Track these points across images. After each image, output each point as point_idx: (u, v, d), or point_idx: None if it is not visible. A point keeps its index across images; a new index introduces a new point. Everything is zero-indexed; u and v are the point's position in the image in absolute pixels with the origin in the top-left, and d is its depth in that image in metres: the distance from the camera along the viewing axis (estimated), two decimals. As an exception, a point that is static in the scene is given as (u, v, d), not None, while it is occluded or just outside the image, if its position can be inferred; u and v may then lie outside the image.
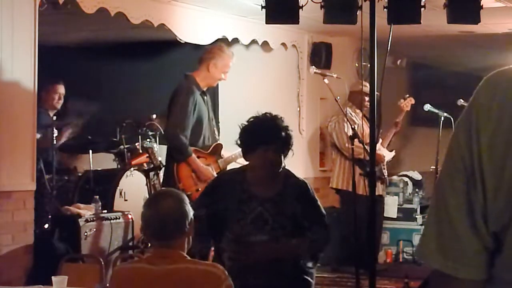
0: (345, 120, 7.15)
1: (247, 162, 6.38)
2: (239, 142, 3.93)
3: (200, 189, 6.01)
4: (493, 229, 1.32)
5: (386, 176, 7.82)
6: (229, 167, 6.29)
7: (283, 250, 3.81)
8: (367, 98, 7.48)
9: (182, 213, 3.10)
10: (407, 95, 8.00)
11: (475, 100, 1.35)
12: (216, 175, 4.09)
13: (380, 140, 7.86)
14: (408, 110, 7.94)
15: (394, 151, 8.04)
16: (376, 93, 7.11)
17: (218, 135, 6.35)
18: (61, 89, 7.46)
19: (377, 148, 7.68)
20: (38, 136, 6.32)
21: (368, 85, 7.18)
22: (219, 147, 6.18)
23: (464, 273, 1.35)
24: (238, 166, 6.87)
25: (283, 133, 3.82)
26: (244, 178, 3.87)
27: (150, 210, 3.18)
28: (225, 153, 6.26)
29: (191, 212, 3.14)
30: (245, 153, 3.90)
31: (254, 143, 3.81)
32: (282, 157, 3.84)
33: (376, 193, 6.02)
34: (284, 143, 3.82)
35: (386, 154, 7.85)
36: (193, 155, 5.93)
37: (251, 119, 3.97)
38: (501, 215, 1.30)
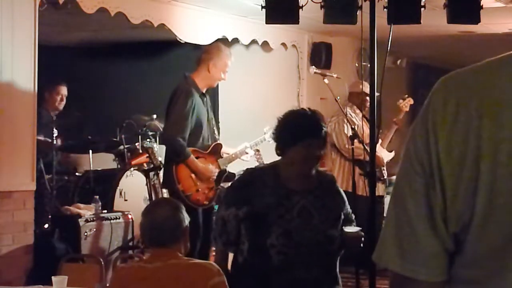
0: (345, 120, 7.16)
1: (246, 158, 6.38)
2: (276, 136, 3.82)
3: (200, 189, 6.00)
4: (453, 230, 1.33)
5: (385, 177, 7.82)
6: (230, 166, 6.28)
7: (357, 239, 3.80)
8: (367, 97, 7.50)
9: (176, 221, 3.23)
10: (406, 96, 8.01)
11: (430, 101, 1.36)
12: (244, 172, 3.99)
13: (380, 141, 7.85)
14: (407, 110, 7.94)
15: (393, 151, 8.04)
16: (376, 93, 7.15)
17: (218, 135, 6.33)
18: (64, 91, 7.51)
19: (376, 150, 7.71)
20: (41, 138, 6.34)
21: (367, 84, 7.21)
22: (218, 146, 6.16)
23: (423, 275, 1.35)
24: (238, 164, 6.89)
25: (324, 128, 3.76)
26: (278, 173, 3.78)
27: (146, 218, 3.32)
28: (225, 151, 6.25)
29: (186, 220, 3.26)
30: (285, 146, 3.77)
31: (298, 136, 3.72)
32: (322, 152, 3.79)
33: (376, 194, 6.02)
34: (324, 139, 3.77)
35: (385, 154, 7.85)
36: (192, 156, 5.90)
37: (290, 113, 3.86)
38: (461, 215, 1.31)
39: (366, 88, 7.44)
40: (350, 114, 7.49)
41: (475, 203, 1.29)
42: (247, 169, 4.02)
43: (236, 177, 4.03)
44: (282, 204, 3.71)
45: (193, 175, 5.94)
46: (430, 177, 1.33)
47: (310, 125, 3.75)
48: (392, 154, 8.00)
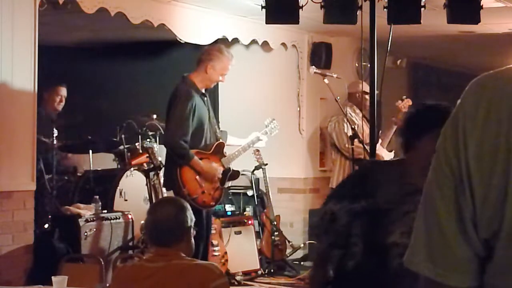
0: (345, 120, 7.17)
1: (261, 144, 6.16)
2: (404, 128, 3.37)
3: (205, 191, 5.95)
4: (484, 236, 1.31)
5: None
6: (233, 164, 6.26)
7: None
8: (367, 97, 7.54)
9: (178, 221, 3.19)
10: (405, 96, 8.02)
11: (461, 105, 1.34)
12: (364, 163, 3.44)
13: (380, 141, 7.86)
14: (405, 111, 7.95)
15: (393, 151, 8.04)
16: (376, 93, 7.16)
17: (220, 134, 6.28)
18: (63, 92, 7.52)
19: (376, 149, 7.72)
20: (41, 138, 6.33)
21: (366, 84, 7.22)
22: (221, 145, 6.12)
23: (454, 280, 1.33)
24: (243, 163, 6.88)
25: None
26: (404, 168, 3.30)
27: (148, 216, 3.30)
28: (227, 150, 6.23)
29: (190, 221, 3.21)
30: (414, 137, 3.28)
31: (429, 125, 3.13)
32: None
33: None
34: None
35: (385, 154, 7.85)
36: (195, 158, 5.86)
37: (421, 105, 3.44)
38: (491, 222, 1.29)
39: (366, 87, 7.47)
40: (350, 114, 7.50)
41: (505, 211, 1.27)
42: (367, 160, 3.53)
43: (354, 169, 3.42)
44: (407, 201, 3.21)
45: (197, 177, 5.89)
46: (460, 182, 1.30)
47: (443, 114, 3.36)
48: (392, 154, 8.00)
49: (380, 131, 7.49)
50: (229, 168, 6.17)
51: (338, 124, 7.64)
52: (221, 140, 6.13)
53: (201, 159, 5.91)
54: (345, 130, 7.46)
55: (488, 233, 1.30)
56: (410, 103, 7.89)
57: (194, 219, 3.26)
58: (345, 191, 3.34)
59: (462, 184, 1.30)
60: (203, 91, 6.01)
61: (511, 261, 1.29)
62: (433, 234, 1.34)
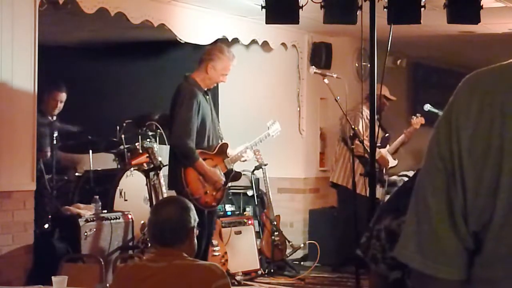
0: (361, 116, 7.26)
1: (246, 158, 6.21)
2: None
3: (208, 191, 5.94)
4: (473, 229, 1.33)
5: (386, 180, 7.85)
6: (236, 166, 6.25)
7: None
8: (386, 102, 7.66)
9: (180, 221, 3.18)
10: (419, 114, 8.08)
11: (455, 100, 1.36)
12: (414, 176, 2.94)
13: (388, 146, 7.91)
14: (417, 128, 8.02)
15: (397, 160, 8.08)
16: (392, 97, 7.24)
17: (222, 134, 6.25)
18: (62, 97, 7.37)
19: (384, 153, 7.75)
20: (41, 138, 6.32)
21: (386, 88, 7.29)
22: (224, 146, 6.10)
23: (443, 273, 1.35)
24: (244, 163, 6.84)
25: None
26: None
27: (152, 215, 3.29)
28: (230, 151, 6.21)
29: (193, 221, 3.19)
30: None
31: None
32: None
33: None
34: None
35: (391, 160, 7.90)
36: (200, 159, 5.85)
37: None
38: (482, 215, 1.31)
39: (385, 91, 7.56)
40: (366, 112, 7.52)
41: (496, 203, 1.29)
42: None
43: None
44: None
45: (201, 178, 5.88)
46: (452, 175, 1.33)
47: None
48: (396, 162, 8.06)
49: (387, 135, 7.61)
50: (232, 169, 6.17)
51: (354, 119, 7.63)
52: (224, 141, 6.13)
53: (204, 159, 5.91)
54: (360, 126, 7.45)
55: (478, 225, 1.32)
56: (423, 122, 7.95)
57: (197, 219, 3.26)
58: (400, 205, 2.72)
59: (453, 177, 1.33)
60: (206, 89, 6.01)
61: (500, 253, 1.32)
62: (423, 227, 1.36)
